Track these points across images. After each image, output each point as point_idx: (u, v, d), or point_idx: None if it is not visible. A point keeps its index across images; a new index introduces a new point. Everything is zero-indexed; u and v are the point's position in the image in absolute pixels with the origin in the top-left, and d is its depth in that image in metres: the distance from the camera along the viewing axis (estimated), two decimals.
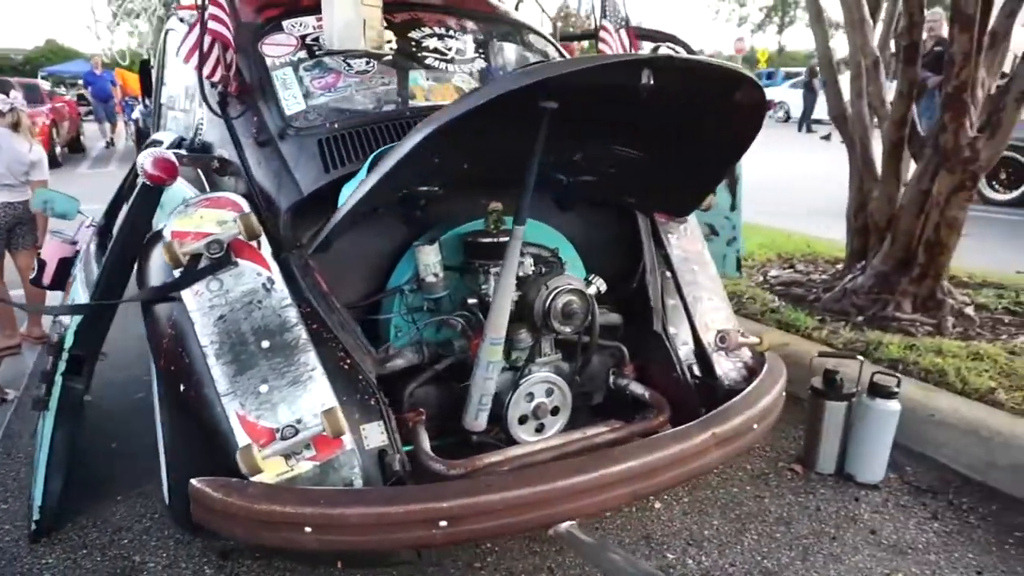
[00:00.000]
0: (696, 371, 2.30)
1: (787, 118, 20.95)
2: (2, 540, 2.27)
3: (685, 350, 2.34)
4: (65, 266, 3.22)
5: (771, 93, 20.82)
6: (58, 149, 12.25)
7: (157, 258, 2.01)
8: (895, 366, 3.04)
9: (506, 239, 2.07)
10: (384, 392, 1.97)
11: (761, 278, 4.57)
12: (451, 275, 2.14)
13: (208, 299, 1.84)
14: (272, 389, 1.77)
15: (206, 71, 2.10)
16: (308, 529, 1.56)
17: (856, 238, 4.24)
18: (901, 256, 3.80)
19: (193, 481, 1.68)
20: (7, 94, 3.79)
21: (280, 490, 1.62)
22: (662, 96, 1.60)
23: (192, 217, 1.93)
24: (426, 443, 1.95)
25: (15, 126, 3.63)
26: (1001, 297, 3.94)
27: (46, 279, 3.23)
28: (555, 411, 2.16)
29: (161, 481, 2.26)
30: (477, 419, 2.01)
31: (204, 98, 2.13)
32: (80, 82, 19.67)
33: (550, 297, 2.07)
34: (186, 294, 1.84)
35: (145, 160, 1.97)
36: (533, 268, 2.14)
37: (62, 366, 2.17)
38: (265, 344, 1.81)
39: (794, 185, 9.31)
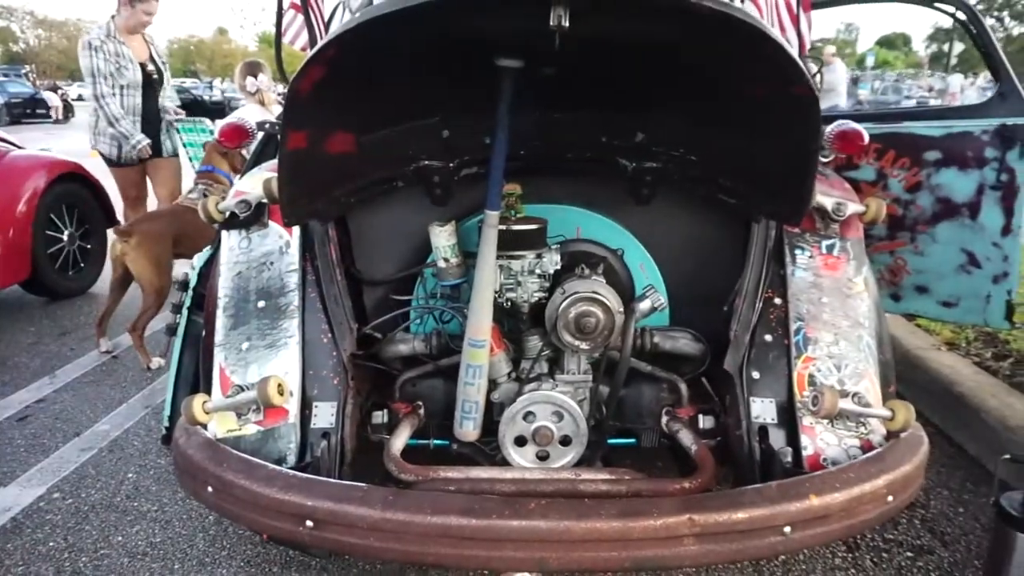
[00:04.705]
0: (772, 434, 1.70)
1: None
2: (144, 441, 2.78)
3: (763, 404, 1.74)
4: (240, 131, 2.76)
5: None
6: None
7: None
8: None
9: (523, 227, 1.80)
10: (385, 379, 1.86)
11: None
12: (471, 263, 1.92)
13: (236, 255, 1.94)
14: (251, 348, 1.79)
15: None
16: (209, 489, 1.55)
17: None
18: None
19: (181, 420, 1.80)
20: (255, 76, 4.38)
21: (207, 445, 1.63)
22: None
23: (254, 177, 2.05)
24: (400, 439, 1.79)
25: (261, 103, 4.30)
26: None
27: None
28: (565, 441, 1.80)
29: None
30: (462, 427, 1.79)
31: (279, 66, 2.24)
32: None
33: (562, 304, 1.73)
34: (222, 247, 1.97)
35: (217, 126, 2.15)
36: (558, 267, 1.81)
37: (188, 301, 2.52)
38: (261, 304, 1.85)
39: None
